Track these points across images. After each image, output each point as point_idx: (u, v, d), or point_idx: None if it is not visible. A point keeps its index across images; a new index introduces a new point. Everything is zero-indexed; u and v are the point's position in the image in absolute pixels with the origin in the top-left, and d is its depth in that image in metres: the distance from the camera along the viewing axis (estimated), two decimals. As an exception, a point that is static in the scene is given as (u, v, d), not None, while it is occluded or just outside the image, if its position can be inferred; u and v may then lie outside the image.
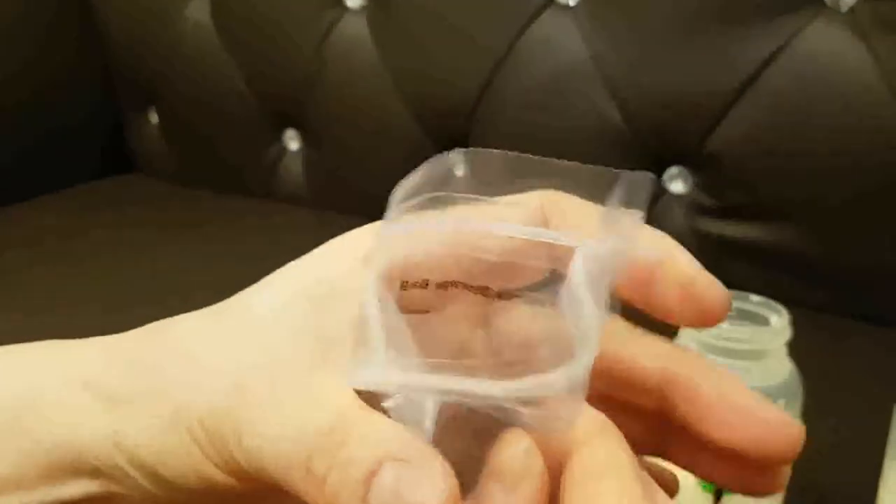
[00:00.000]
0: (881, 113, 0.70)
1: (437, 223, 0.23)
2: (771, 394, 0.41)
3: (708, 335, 0.41)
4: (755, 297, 0.44)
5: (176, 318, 0.28)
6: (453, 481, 0.22)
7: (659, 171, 0.82)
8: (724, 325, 0.41)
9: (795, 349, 0.42)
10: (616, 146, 0.82)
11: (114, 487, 0.28)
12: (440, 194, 0.23)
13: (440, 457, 0.22)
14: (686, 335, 0.43)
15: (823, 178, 0.73)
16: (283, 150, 1.03)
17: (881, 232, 0.72)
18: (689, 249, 0.26)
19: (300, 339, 0.25)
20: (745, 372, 0.41)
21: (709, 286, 0.26)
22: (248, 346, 0.25)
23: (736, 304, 0.44)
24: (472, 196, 0.23)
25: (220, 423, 0.25)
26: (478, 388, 0.21)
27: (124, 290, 0.79)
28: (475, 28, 0.87)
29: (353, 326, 0.23)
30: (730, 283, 0.29)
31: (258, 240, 0.89)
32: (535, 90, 0.85)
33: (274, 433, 0.23)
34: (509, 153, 0.24)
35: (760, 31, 0.73)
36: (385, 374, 0.22)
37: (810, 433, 0.26)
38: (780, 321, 0.42)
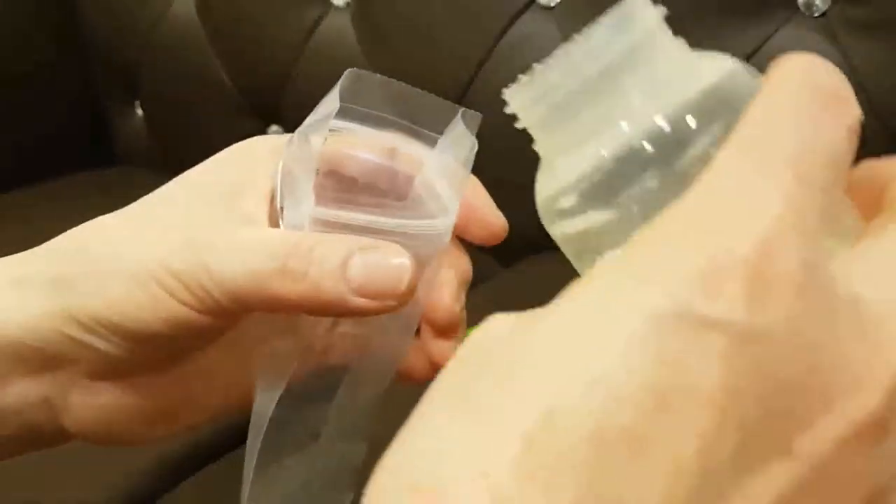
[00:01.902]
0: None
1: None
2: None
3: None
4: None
5: (84, 225, 0.32)
6: (407, 253, 0.28)
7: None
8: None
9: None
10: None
11: (57, 382, 0.30)
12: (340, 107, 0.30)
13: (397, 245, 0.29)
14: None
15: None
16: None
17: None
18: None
19: (227, 214, 0.30)
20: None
21: (492, 212, 0.34)
22: (183, 220, 0.30)
23: None
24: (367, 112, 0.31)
25: (189, 265, 0.28)
26: (388, 224, 0.29)
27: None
28: (457, 28, 0.88)
29: (284, 184, 0.29)
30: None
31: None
32: (515, 89, 0.86)
33: (244, 257, 0.28)
34: (387, 80, 0.31)
35: (733, 35, 0.74)
36: (317, 211, 0.29)
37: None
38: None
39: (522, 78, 0.23)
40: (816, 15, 0.72)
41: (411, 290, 0.28)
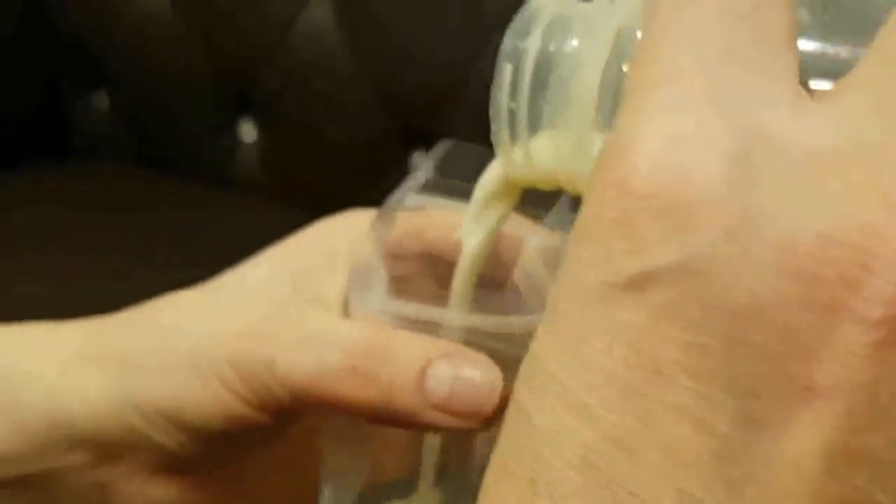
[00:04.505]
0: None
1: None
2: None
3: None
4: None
5: (163, 297, 0.30)
6: (497, 368, 0.25)
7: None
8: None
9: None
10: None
11: (114, 471, 0.29)
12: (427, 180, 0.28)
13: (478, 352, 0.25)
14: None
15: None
16: (240, 136, 1.01)
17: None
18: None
19: (297, 297, 0.28)
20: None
21: None
22: (251, 303, 0.29)
23: None
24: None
25: (251, 359, 0.26)
26: (461, 321, 0.26)
27: (70, 278, 0.78)
28: (448, 20, 0.86)
29: (354, 271, 0.27)
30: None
31: (210, 227, 0.89)
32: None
33: (311, 352, 0.26)
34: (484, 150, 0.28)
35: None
36: (390, 305, 0.26)
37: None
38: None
39: None
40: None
41: (499, 410, 0.25)
